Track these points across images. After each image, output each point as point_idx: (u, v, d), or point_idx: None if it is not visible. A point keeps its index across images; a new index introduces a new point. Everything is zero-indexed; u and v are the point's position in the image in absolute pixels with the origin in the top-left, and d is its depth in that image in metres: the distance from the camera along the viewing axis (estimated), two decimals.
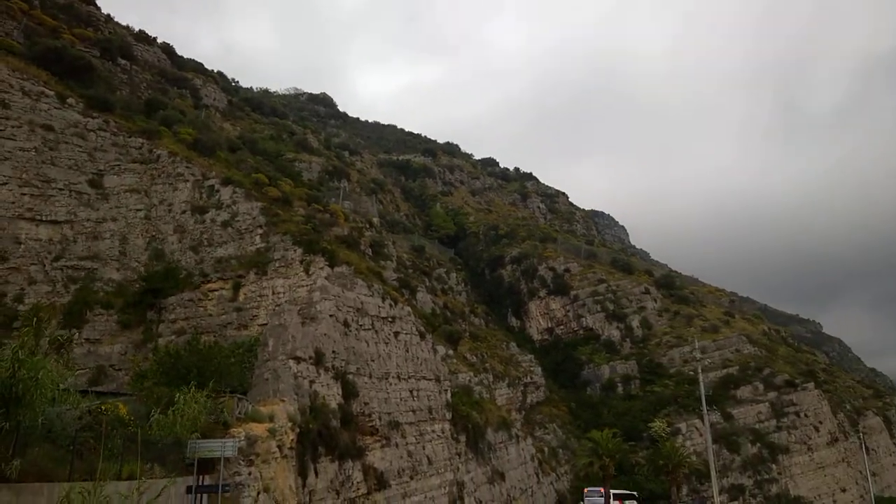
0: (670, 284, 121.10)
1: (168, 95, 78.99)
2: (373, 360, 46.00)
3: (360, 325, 46.21)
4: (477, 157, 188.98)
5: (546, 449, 79.68)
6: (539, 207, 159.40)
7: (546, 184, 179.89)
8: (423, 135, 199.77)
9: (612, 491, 63.31)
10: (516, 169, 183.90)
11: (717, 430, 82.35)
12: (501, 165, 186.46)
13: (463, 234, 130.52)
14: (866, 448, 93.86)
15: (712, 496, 61.78)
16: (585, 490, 59.52)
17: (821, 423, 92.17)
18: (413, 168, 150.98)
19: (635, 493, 64.98)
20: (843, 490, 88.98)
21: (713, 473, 60.25)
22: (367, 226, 74.80)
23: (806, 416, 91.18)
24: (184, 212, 56.07)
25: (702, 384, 64.75)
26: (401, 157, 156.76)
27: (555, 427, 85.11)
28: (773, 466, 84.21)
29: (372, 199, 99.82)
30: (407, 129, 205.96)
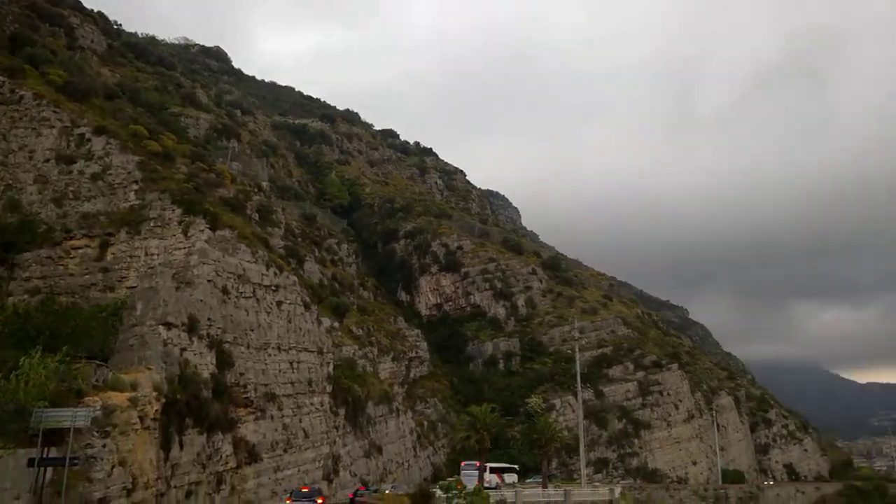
0: (556, 266, 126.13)
1: (38, 33, 71.40)
2: (252, 330, 44.49)
3: (241, 293, 44.48)
4: (377, 127, 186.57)
5: (426, 423, 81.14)
6: (437, 183, 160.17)
7: (445, 160, 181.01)
8: (322, 100, 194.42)
9: (492, 465, 65.35)
10: (416, 143, 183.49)
11: (589, 407, 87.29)
12: (402, 138, 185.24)
13: (357, 205, 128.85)
14: (718, 425, 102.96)
15: (580, 468, 65.57)
16: (462, 463, 60.86)
17: (680, 401, 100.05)
18: (309, 133, 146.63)
19: (516, 466, 67.05)
20: (695, 463, 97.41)
21: (582, 448, 63.86)
22: (256, 189, 71.94)
23: (668, 394, 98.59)
24: (47, 160, 51.16)
25: (578, 363, 68.16)
26: (297, 121, 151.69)
27: (436, 401, 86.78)
28: (636, 441, 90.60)
29: (263, 162, 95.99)
30: (306, 93, 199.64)
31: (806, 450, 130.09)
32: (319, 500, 36.99)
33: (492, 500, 33.45)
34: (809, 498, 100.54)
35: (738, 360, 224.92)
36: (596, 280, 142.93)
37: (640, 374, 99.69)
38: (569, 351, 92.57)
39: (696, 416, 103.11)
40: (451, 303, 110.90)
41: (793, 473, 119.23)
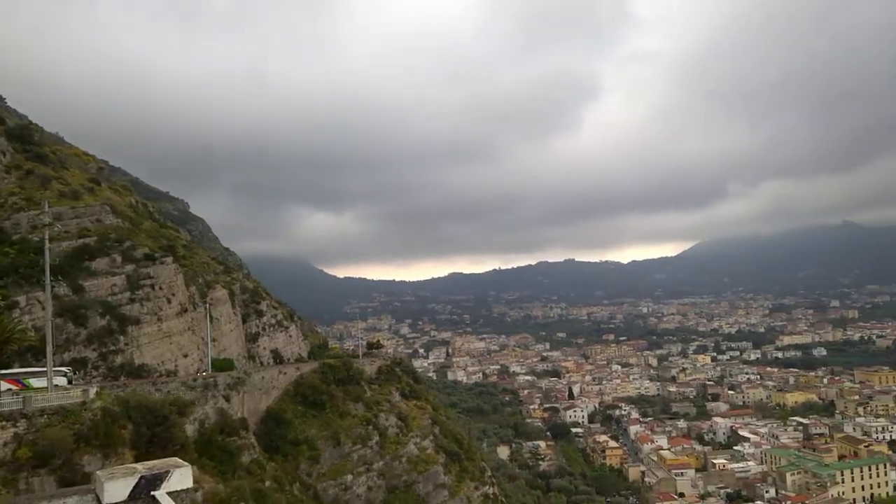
0: (27, 138, 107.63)
1: None
2: None
3: None
4: None
5: None
6: None
7: None
8: None
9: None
10: None
11: (65, 303, 79.36)
12: None
13: None
14: (211, 317, 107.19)
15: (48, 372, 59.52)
16: None
17: (174, 295, 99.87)
18: None
19: (66, 369, 59.32)
20: (186, 356, 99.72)
21: (49, 349, 57.52)
22: None
23: (161, 288, 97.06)
24: None
25: (47, 253, 60.23)
26: None
27: None
28: (122, 338, 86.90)
29: None
30: None
31: (291, 336, 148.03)
32: None
33: None
34: (290, 377, 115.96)
35: (236, 255, 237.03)
36: (81, 161, 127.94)
37: (130, 267, 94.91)
38: (38, 239, 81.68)
39: (190, 309, 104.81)
40: None
41: (278, 357, 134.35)
